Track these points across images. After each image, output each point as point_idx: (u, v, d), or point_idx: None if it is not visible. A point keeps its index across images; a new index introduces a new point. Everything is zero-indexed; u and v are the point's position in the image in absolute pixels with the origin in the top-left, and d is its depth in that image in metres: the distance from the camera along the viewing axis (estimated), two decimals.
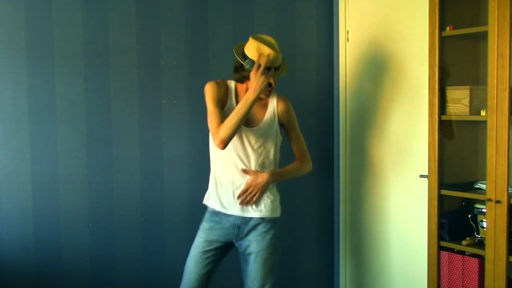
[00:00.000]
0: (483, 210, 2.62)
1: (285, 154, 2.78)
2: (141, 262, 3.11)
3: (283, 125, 2.73)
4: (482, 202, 2.61)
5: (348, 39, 3.46)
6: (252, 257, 2.64)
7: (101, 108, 2.97)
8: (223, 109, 2.60)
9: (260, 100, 2.66)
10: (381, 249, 3.37)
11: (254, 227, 2.65)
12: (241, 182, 2.63)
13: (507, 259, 2.49)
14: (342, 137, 3.53)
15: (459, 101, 2.70)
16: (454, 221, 2.78)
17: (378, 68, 3.30)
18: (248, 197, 2.61)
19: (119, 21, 2.98)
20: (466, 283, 2.70)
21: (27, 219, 2.87)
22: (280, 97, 2.71)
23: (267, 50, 2.52)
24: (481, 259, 2.64)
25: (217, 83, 2.63)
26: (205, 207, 2.74)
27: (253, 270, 2.64)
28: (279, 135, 2.71)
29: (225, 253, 2.73)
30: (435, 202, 2.77)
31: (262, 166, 2.65)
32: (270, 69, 2.55)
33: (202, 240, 2.67)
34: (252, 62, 2.53)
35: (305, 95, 3.47)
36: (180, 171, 3.16)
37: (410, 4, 3.08)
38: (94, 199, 2.99)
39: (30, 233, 2.88)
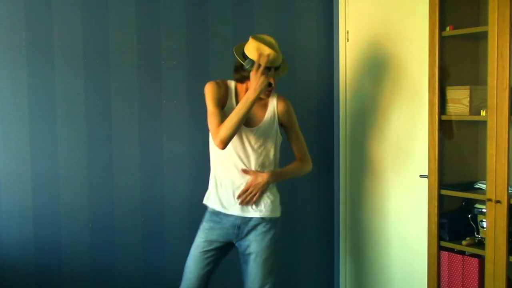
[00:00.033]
0: (483, 210, 2.62)
1: (285, 154, 2.78)
2: (141, 262, 3.11)
3: (283, 125, 2.73)
4: (482, 202, 2.61)
5: (348, 39, 3.46)
6: (252, 257, 2.64)
7: (101, 108, 2.97)
8: (223, 109, 2.60)
9: (260, 100, 2.66)
10: (381, 249, 3.37)
11: (254, 227, 2.65)
12: (241, 182, 2.63)
13: (507, 259, 2.49)
14: (342, 137, 3.53)
15: (459, 101, 2.70)
16: (454, 221, 2.78)
17: (378, 68, 3.30)
18: (248, 197, 2.61)
19: (119, 21, 2.98)
20: (466, 283, 2.70)
21: (27, 219, 2.87)
22: (280, 97, 2.71)
23: (267, 50, 2.52)
24: (481, 259, 2.64)
25: (217, 83, 2.63)
26: (205, 207, 2.74)
27: (253, 270, 2.64)
28: (279, 135, 2.71)
29: (225, 253, 2.73)
30: (435, 202, 2.77)
31: (262, 166, 2.65)
32: (270, 69, 2.55)
33: (202, 240, 2.67)
34: (252, 62, 2.53)
35: (305, 95, 3.47)
36: (180, 171, 3.16)
37: (410, 4, 3.08)
38: (94, 199, 2.99)
39: (30, 233, 2.88)
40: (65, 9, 2.87)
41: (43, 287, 2.93)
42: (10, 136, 2.81)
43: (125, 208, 3.05)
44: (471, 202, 2.77)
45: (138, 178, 3.07)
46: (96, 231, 3.00)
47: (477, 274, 2.65)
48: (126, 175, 3.04)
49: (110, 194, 3.02)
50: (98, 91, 2.96)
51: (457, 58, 2.80)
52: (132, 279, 3.10)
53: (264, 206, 2.65)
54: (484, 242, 2.60)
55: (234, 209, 2.64)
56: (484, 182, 2.63)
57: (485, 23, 2.54)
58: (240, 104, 2.51)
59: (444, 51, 2.72)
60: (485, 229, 2.60)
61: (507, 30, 2.41)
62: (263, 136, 2.65)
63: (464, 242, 2.70)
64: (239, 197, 2.62)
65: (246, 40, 2.62)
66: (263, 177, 2.62)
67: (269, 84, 2.55)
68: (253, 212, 2.64)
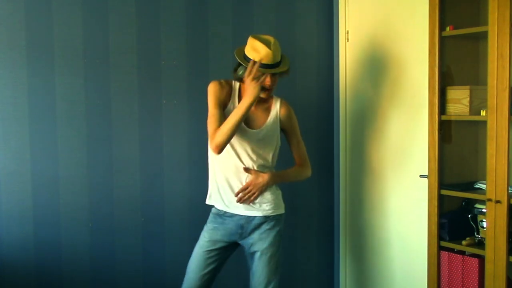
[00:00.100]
0: (483, 210, 2.62)
1: (285, 159, 2.79)
2: (141, 262, 3.11)
3: (285, 129, 2.74)
4: (482, 202, 2.61)
5: (348, 39, 3.46)
6: (257, 255, 2.65)
7: (101, 108, 2.97)
8: (225, 109, 2.60)
9: (264, 103, 2.68)
10: (381, 249, 3.37)
11: (258, 226, 2.65)
12: (241, 182, 2.64)
13: (507, 259, 2.49)
14: (342, 136, 3.53)
15: (459, 101, 2.70)
16: (454, 221, 2.78)
17: (378, 68, 3.30)
18: (246, 196, 2.62)
19: (119, 21, 2.98)
20: (466, 283, 2.70)
21: (27, 219, 2.87)
22: (283, 102, 2.73)
23: (262, 49, 2.52)
24: (481, 259, 2.64)
25: (221, 83, 2.63)
26: (205, 207, 2.74)
27: (259, 268, 2.65)
28: (279, 140, 2.71)
29: (229, 254, 2.74)
30: (435, 202, 2.77)
31: (260, 168, 2.66)
32: (267, 66, 2.54)
33: (206, 240, 2.67)
34: (245, 69, 2.54)
35: (305, 94, 3.47)
36: (180, 171, 3.16)
37: (410, 4, 3.08)
38: (94, 199, 2.99)
39: (30, 233, 2.88)
40: (65, 9, 2.87)
41: (43, 287, 2.93)
42: (10, 136, 2.81)
43: (125, 208, 3.05)
44: (471, 202, 2.77)
45: (138, 178, 3.07)
46: (96, 231, 3.00)
47: (477, 274, 2.65)
48: (126, 175, 3.04)
49: (110, 194, 3.02)
50: (98, 91, 2.96)
51: (457, 58, 2.80)
52: (132, 279, 3.10)
53: (267, 205, 2.66)
54: (484, 242, 2.60)
55: (237, 208, 2.64)
56: (484, 182, 2.63)
57: (485, 23, 2.54)
58: (235, 110, 2.52)
59: (444, 51, 2.72)
60: (485, 229, 2.60)
61: (507, 30, 2.41)
62: (264, 139, 2.65)
63: (464, 242, 2.70)
64: (237, 194, 2.62)
65: (246, 41, 2.62)
66: (263, 178, 2.63)
67: (263, 88, 2.55)
68: (256, 211, 2.64)
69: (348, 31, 3.46)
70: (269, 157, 2.68)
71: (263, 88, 2.56)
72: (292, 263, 3.50)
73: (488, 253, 2.56)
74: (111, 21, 2.96)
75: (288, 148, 2.79)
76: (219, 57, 3.19)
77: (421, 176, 2.95)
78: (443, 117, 2.75)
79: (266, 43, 2.54)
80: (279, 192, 2.74)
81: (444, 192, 2.77)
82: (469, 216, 2.73)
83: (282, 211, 2.72)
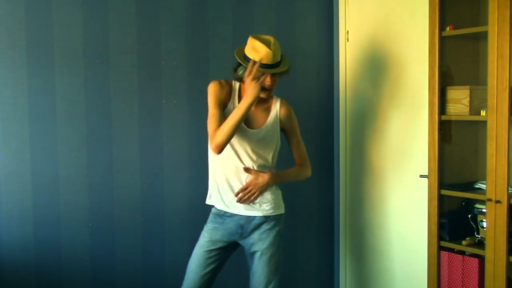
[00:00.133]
0: (483, 210, 2.62)
1: (285, 159, 2.79)
2: (141, 262, 3.11)
3: (285, 129, 2.74)
4: (482, 202, 2.61)
5: (348, 39, 3.46)
6: (257, 255, 2.65)
7: (101, 108, 2.97)
8: (225, 110, 2.60)
9: (264, 103, 2.68)
10: (381, 249, 3.37)
11: (258, 226, 2.65)
12: (241, 182, 2.64)
13: (507, 259, 2.49)
14: (342, 136, 3.53)
15: (459, 101, 2.70)
16: (454, 221, 2.78)
17: (378, 68, 3.30)
18: (246, 196, 2.62)
19: (119, 21, 2.98)
20: (466, 283, 2.70)
21: (27, 219, 2.87)
22: (283, 102, 2.73)
23: (262, 49, 2.52)
24: (481, 259, 2.64)
25: (221, 84, 2.63)
26: (205, 207, 2.74)
27: (259, 268, 2.65)
28: (279, 140, 2.71)
29: (229, 254, 2.74)
30: (435, 202, 2.77)
31: (260, 168, 2.66)
32: (267, 66, 2.54)
33: (206, 240, 2.67)
34: (245, 68, 2.54)
35: (305, 94, 3.47)
36: (180, 171, 3.16)
37: (410, 4, 3.08)
38: (94, 199, 2.99)
39: (30, 233, 2.88)
40: (65, 9, 2.87)
41: (43, 287, 2.93)
42: (10, 136, 2.81)
43: (125, 208, 3.05)
44: (471, 202, 2.77)
45: (138, 178, 3.07)
46: (96, 231, 3.00)
47: (477, 274, 2.65)
48: (126, 175, 3.04)
49: (110, 194, 3.02)
50: (98, 91, 2.96)
51: (457, 58, 2.80)
52: (132, 279, 3.10)
53: (267, 205, 2.66)
54: (484, 242, 2.60)
55: (237, 208, 2.64)
56: (484, 182, 2.63)
57: (485, 23, 2.54)
58: (235, 110, 2.52)
59: (444, 51, 2.72)
60: (485, 229, 2.60)
61: (507, 30, 2.41)
62: (265, 139, 2.66)
63: (464, 242, 2.70)
64: (237, 194, 2.62)
65: (246, 40, 2.62)
66: (263, 178, 2.63)
67: (263, 88, 2.55)
68: (256, 211, 2.64)
69: (348, 31, 3.46)
70: (269, 157, 2.69)
71: (263, 88, 2.56)
72: (292, 263, 3.50)
73: (488, 253, 2.56)
74: (111, 21, 2.96)
75: (288, 148, 2.79)
76: (219, 57, 3.19)
77: (421, 176, 2.95)
78: (443, 117, 2.75)
79: (266, 43, 2.54)
80: (279, 192, 2.74)
81: (444, 192, 2.77)
82: (469, 216, 2.73)
83: (282, 211, 2.72)
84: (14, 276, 2.87)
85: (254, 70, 2.51)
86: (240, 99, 2.64)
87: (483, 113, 2.61)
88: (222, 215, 2.67)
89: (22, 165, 2.84)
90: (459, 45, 2.79)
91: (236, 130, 2.51)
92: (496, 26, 2.45)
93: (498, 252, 2.51)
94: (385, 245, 3.34)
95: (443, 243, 2.78)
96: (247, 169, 2.62)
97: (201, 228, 2.74)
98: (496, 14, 2.44)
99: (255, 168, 2.64)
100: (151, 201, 3.10)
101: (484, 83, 2.60)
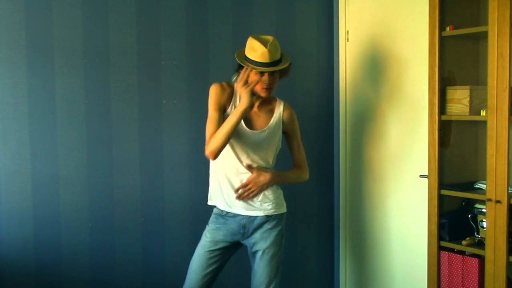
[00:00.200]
0: (483, 210, 2.62)
1: (283, 161, 2.79)
2: (141, 262, 3.11)
3: (286, 132, 2.75)
4: (482, 202, 2.61)
5: (348, 39, 3.46)
6: (258, 254, 2.66)
7: (101, 108, 2.97)
8: (226, 112, 2.61)
9: (267, 105, 2.70)
10: (381, 249, 3.37)
11: (260, 226, 2.66)
12: (243, 182, 2.64)
13: (507, 259, 2.49)
14: (342, 136, 3.53)
15: (459, 101, 2.70)
16: (454, 221, 2.78)
17: (378, 68, 3.30)
18: (246, 193, 2.62)
19: (119, 21, 2.98)
20: (466, 283, 2.70)
21: (27, 219, 2.87)
22: (287, 105, 2.74)
23: (259, 48, 2.52)
24: (481, 259, 2.64)
25: (222, 86, 2.63)
26: (205, 207, 2.74)
27: (260, 267, 2.65)
28: (280, 143, 2.72)
29: (231, 254, 2.74)
30: (435, 202, 2.77)
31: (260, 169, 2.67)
32: (263, 73, 2.55)
33: (208, 240, 2.67)
34: (238, 75, 2.55)
35: (305, 94, 3.47)
36: (180, 171, 3.16)
37: (410, 4, 3.08)
38: (94, 199, 2.99)
39: (30, 233, 2.88)
40: (65, 9, 2.87)
41: (43, 287, 2.93)
42: (10, 136, 2.81)
43: (125, 208, 3.05)
44: (471, 202, 2.77)
45: (138, 178, 3.07)
46: (96, 231, 3.00)
47: (477, 274, 2.65)
48: (126, 175, 3.04)
49: (110, 194, 3.02)
50: (98, 91, 2.96)
51: (457, 58, 2.80)
52: (132, 279, 3.09)
53: (268, 204, 2.66)
54: (484, 242, 2.60)
55: (238, 208, 2.65)
56: (484, 182, 2.63)
57: (485, 23, 2.54)
58: (229, 117, 2.53)
59: (444, 51, 2.72)
60: (485, 229, 2.60)
61: (507, 30, 2.41)
62: (266, 140, 2.66)
63: (464, 242, 2.70)
64: (237, 190, 2.62)
65: (246, 41, 2.62)
66: (265, 177, 2.63)
67: (253, 94, 2.55)
68: (258, 211, 2.65)
69: (348, 31, 3.46)
70: (270, 159, 2.70)
71: (253, 94, 2.56)
72: (292, 263, 3.50)
73: (488, 253, 2.56)
74: (111, 21, 2.96)
75: (286, 150, 2.79)
76: (219, 57, 3.19)
77: (421, 176, 2.95)
78: (443, 117, 2.75)
79: (264, 42, 2.54)
80: (280, 192, 2.74)
81: (444, 192, 2.77)
82: (469, 216, 2.73)
83: (283, 210, 2.73)
84: (14, 276, 2.87)
85: (245, 76, 2.52)
86: None
87: (483, 113, 2.61)
88: (224, 215, 2.68)
89: (22, 165, 2.84)
90: (459, 45, 2.79)
91: (231, 136, 2.53)
92: (496, 26, 2.45)
93: (498, 252, 2.51)
94: (385, 245, 3.34)
95: (443, 243, 2.78)
96: (249, 167, 2.63)
97: (201, 228, 2.74)
98: (496, 14, 2.44)
99: (252, 174, 2.64)
100: (151, 201, 3.10)
101: (484, 83, 2.60)
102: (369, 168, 3.40)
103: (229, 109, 2.62)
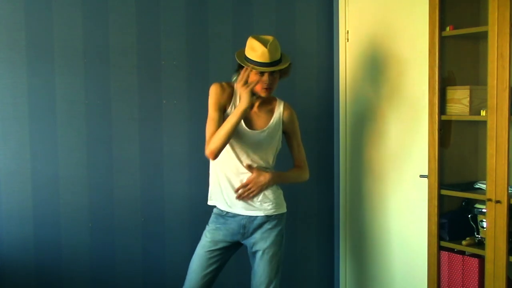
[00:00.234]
0: (483, 210, 2.62)
1: (283, 161, 2.79)
2: (141, 262, 3.11)
3: (286, 132, 2.75)
4: (482, 202, 2.61)
5: (348, 39, 3.46)
6: (258, 254, 2.66)
7: (101, 108, 2.97)
8: (225, 113, 2.61)
9: (267, 105, 2.70)
10: (381, 249, 3.37)
11: (260, 226, 2.66)
12: (243, 182, 2.64)
13: (507, 259, 2.49)
14: (342, 136, 3.53)
15: (459, 101, 2.70)
16: (454, 221, 2.78)
17: (378, 68, 3.30)
18: (246, 192, 2.62)
19: (119, 21, 2.98)
20: (466, 283, 2.70)
21: (27, 219, 2.87)
22: (287, 105, 2.75)
23: (259, 48, 2.52)
24: (481, 259, 2.64)
25: (222, 86, 2.63)
26: (205, 207, 2.74)
27: (260, 267, 2.65)
28: (280, 143, 2.72)
29: (231, 254, 2.74)
30: (435, 202, 2.77)
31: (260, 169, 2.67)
32: (263, 73, 2.55)
33: (208, 240, 2.67)
34: (238, 75, 2.55)
35: (305, 94, 3.47)
36: (180, 171, 3.16)
37: (410, 4, 3.08)
38: (94, 199, 2.99)
39: (30, 233, 2.88)
40: (65, 9, 2.87)
41: (43, 287, 2.93)
42: (10, 136, 2.81)
43: (125, 208, 3.05)
44: (471, 202, 2.77)
45: (138, 178, 3.07)
46: (96, 231, 3.00)
47: (477, 274, 2.65)
48: (126, 175, 3.04)
49: (110, 194, 3.02)
50: (98, 91, 2.96)
51: (457, 58, 2.80)
52: (132, 279, 3.09)
53: (268, 204, 2.66)
54: (484, 242, 2.60)
55: (238, 208, 2.65)
56: (484, 182, 2.63)
57: (485, 23, 2.54)
58: (229, 117, 2.53)
59: (444, 51, 2.72)
60: (485, 229, 2.60)
61: (507, 30, 2.41)
62: (267, 140, 2.66)
63: (464, 242, 2.70)
64: (237, 190, 2.63)
65: (246, 41, 2.62)
66: (265, 177, 2.63)
67: (253, 94, 2.54)
68: (258, 211, 2.65)
69: (348, 31, 3.46)
70: (270, 159, 2.70)
71: (253, 94, 2.56)
72: (292, 263, 3.50)
73: (488, 253, 2.56)
74: (111, 21, 2.96)
75: (285, 150, 2.79)
76: (219, 57, 3.19)
77: (421, 176, 2.95)
78: (443, 117, 2.75)
79: (264, 42, 2.54)
80: (280, 192, 2.74)
81: (444, 192, 2.77)
82: (469, 216, 2.73)
83: (283, 210, 2.73)
84: (14, 276, 2.86)
85: (245, 76, 2.52)
86: None
87: (483, 113, 2.61)
88: (224, 215, 2.68)
89: (22, 165, 2.84)
90: (459, 45, 2.79)
91: (230, 137, 2.53)
92: (496, 26, 2.45)
93: (498, 252, 2.51)
94: (385, 245, 3.34)
95: (443, 243, 2.78)
96: (249, 167, 2.63)
97: (201, 228, 2.74)
98: (496, 14, 2.44)
99: (252, 174, 2.64)
100: (151, 201, 3.10)
101: (484, 83, 2.60)
102: (369, 168, 3.40)
103: (229, 109, 2.62)
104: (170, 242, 3.16)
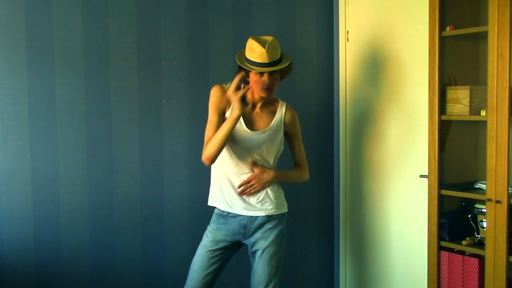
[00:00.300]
0: (483, 210, 2.62)
1: (283, 161, 2.79)
2: (141, 262, 3.11)
3: (288, 133, 2.76)
4: (482, 202, 2.61)
5: (348, 39, 3.46)
6: (258, 253, 2.66)
7: (101, 108, 2.97)
8: (225, 115, 2.62)
9: (269, 106, 2.71)
10: (381, 249, 3.37)
11: (261, 226, 2.66)
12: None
13: (507, 259, 2.49)
14: (342, 136, 3.53)
15: (459, 101, 2.70)
16: (454, 221, 2.78)
17: (378, 68, 3.30)
18: (248, 189, 2.62)
19: (119, 21, 2.98)
20: (466, 283, 2.70)
21: (27, 219, 2.87)
22: (289, 106, 2.75)
23: (257, 48, 2.52)
24: (481, 259, 2.64)
25: (222, 89, 2.63)
26: (205, 207, 2.74)
27: (260, 266, 2.66)
28: (282, 145, 2.73)
29: (232, 254, 2.74)
30: (435, 202, 2.77)
31: None
32: (262, 74, 2.55)
33: (209, 239, 2.68)
34: (231, 82, 2.56)
35: (305, 94, 3.47)
36: (180, 171, 3.15)
37: (410, 4, 3.08)
38: (94, 199, 2.99)
39: (30, 233, 2.88)
40: (65, 9, 2.87)
41: (43, 287, 2.93)
42: (10, 136, 2.81)
43: (125, 208, 3.05)
44: (471, 202, 2.77)
45: (138, 178, 3.07)
46: (96, 231, 3.00)
47: (477, 274, 2.65)
48: (126, 175, 3.04)
49: (110, 194, 3.02)
50: (98, 91, 2.96)
51: (457, 58, 2.80)
52: (132, 279, 3.09)
53: (269, 204, 2.67)
54: (484, 242, 2.60)
55: (239, 208, 2.65)
56: (484, 182, 2.63)
57: (485, 23, 2.54)
58: (223, 124, 2.54)
59: (444, 51, 2.72)
60: (485, 229, 2.60)
61: (507, 30, 2.41)
62: (268, 141, 2.67)
63: (464, 242, 2.70)
64: (240, 186, 2.63)
65: (246, 41, 2.62)
66: (269, 174, 2.64)
67: (243, 100, 2.53)
68: (259, 211, 2.65)
69: (348, 31, 3.46)
70: (271, 160, 2.70)
71: (243, 100, 2.55)
72: (292, 263, 3.50)
73: (488, 253, 2.56)
74: (111, 21, 2.96)
75: (285, 150, 2.79)
76: (219, 57, 3.19)
77: (421, 176, 2.95)
78: (443, 117, 2.75)
79: (263, 43, 2.54)
80: (281, 191, 2.75)
81: (444, 192, 2.77)
82: (469, 216, 2.73)
83: (284, 210, 2.73)
84: (14, 276, 2.86)
85: (235, 83, 2.53)
86: None
87: (483, 113, 2.61)
88: (225, 215, 2.68)
89: (22, 165, 2.84)
90: (459, 45, 2.79)
91: (225, 143, 2.54)
92: (496, 26, 2.45)
93: (498, 252, 2.51)
94: (385, 245, 3.34)
95: (443, 243, 2.78)
96: (254, 163, 2.63)
97: (201, 228, 2.74)
98: (496, 14, 2.44)
99: (256, 170, 2.64)
100: (151, 201, 3.10)
101: (484, 83, 2.60)
102: (369, 168, 3.40)
103: (227, 112, 2.62)
104: (170, 242, 3.16)
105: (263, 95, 2.62)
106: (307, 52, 3.48)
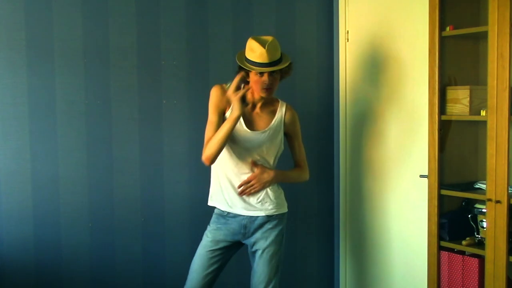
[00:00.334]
0: (483, 210, 2.62)
1: (283, 161, 2.79)
2: (141, 262, 3.11)
3: (288, 133, 2.76)
4: (482, 202, 2.61)
5: (348, 39, 3.46)
6: (258, 253, 2.67)
7: (101, 108, 2.97)
8: (225, 115, 2.62)
9: (270, 106, 2.71)
10: (381, 249, 3.37)
11: (261, 226, 2.67)
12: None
13: (507, 259, 2.49)
14: (342, 136, 3.53)
15: (459, 101, 2.70)
16: (454, 221, 2.78)
17: (378, 68, 3.30)
18: (248, 189, 2.62)
19: (119, 21, 2.98)
20: (466, 283, 2.70)
21: (27, 219, 2.87)
22: (289, 107, 2.75)
23: (257, 48, 2.52)
24: (481, 259, 2.64)
25: (222, 89, 2.63)
26: (205, 207, 2.74)
27: (260, 266, 2.66)
28: (282, 145, 2.73)
29: (232, 254, 2.74)
30: (435, 202, 2.77)
31: None
32: (262, 74, 2.55)
33: (209, 239, 2.68)
34: (231, 82, 2.56)
35: (305, 94, 3.47)
36: (180, 171, 3.15)
37: (410, 4, 3.08)
38: (94, 199, 2.99)
39: (30, 233, 2.88)
40: (65, 9, 2.87)
41: (43, 287, 2.93)
42: (10, 136, 2.81)
43: (125, 208, 3.05)
44: (471, 202, 2.77)
45: (138, 178, 3.07)
46: (96, 231, 3.00)
47: (477, 274, 2.65)
48: (126, 175, 3.04)
49: (110, 194, 3.02)
50: (98, 91, 2.96)
51: (457, 58, 2.80)
52: (132, 279, 3.09)
53: (269, 204, 2.67)
54: (484, 242, 2.60)
55: (239, 208, 2.65)
56: (484, 182, 2.63)
57: (485, 23, 2.54)
58: (223, 124, 2.54)
59: (444, 51, 2.72)
60: (485, 229, 2.60)
61: (507, 30, 2.41)
62: (268, 141, 2.67)
63: (464, 242, 2.70)
64: (240, 186, 2.63)
65: (246, 41, 2.62)
66: (269, 174, 2.64)
67: (243, 100, 2.54)
68: (259, 211, 2.65)
69: (348, 31, 3.46)
70: (271, 160, 2.70)
71: (243, 100, 2.55)
72: (292, 263, 3.50)
73: (488, 253, 2.56)
74: (111, 21, 2.96)
75: (285, 150, 2.79)
76: (219, 57, 3.19)
77: (421, 176, 2.95)
78: (443, 117, 2.75)
79: (262, 43, 2.54)
80: (281, 191, 2.75)
81: (444, 192, 2.77)
82: (469, 216, 2.73)
83: (284, 210, 2.73)
84: (14, 276, 2.86)
85: (234, 84, 2.53)
86: None
87: (483, 113, 2.61)
88: (225, 215, 2.68)
89: (22, 165, 2.84)
90: (459, 45, 2.79)
91: (225, 143, 2.54)
92: (496, 26, 2.45)
93: (498, 252, 2.51)
94: (385, 245, 3.34)
95: (443, 243, 2.78)
96: (254, 163, 2.63)
97: (201, 228, 2.74)
98: (496, 14, 2.44)
99: (256, 170, 2.64)
100: (151, 201, 3.10)
101: (484, 83, 2.60)
102: (369, 168, 3.40)
103: (228, 112, 2.62)
104: (170, 242, 3.16)
105: (263, 95, 2.62)
106: (307, 52, 3.48)
